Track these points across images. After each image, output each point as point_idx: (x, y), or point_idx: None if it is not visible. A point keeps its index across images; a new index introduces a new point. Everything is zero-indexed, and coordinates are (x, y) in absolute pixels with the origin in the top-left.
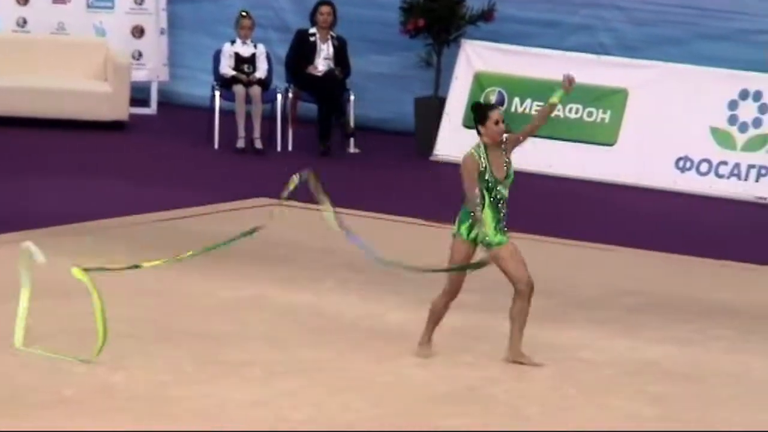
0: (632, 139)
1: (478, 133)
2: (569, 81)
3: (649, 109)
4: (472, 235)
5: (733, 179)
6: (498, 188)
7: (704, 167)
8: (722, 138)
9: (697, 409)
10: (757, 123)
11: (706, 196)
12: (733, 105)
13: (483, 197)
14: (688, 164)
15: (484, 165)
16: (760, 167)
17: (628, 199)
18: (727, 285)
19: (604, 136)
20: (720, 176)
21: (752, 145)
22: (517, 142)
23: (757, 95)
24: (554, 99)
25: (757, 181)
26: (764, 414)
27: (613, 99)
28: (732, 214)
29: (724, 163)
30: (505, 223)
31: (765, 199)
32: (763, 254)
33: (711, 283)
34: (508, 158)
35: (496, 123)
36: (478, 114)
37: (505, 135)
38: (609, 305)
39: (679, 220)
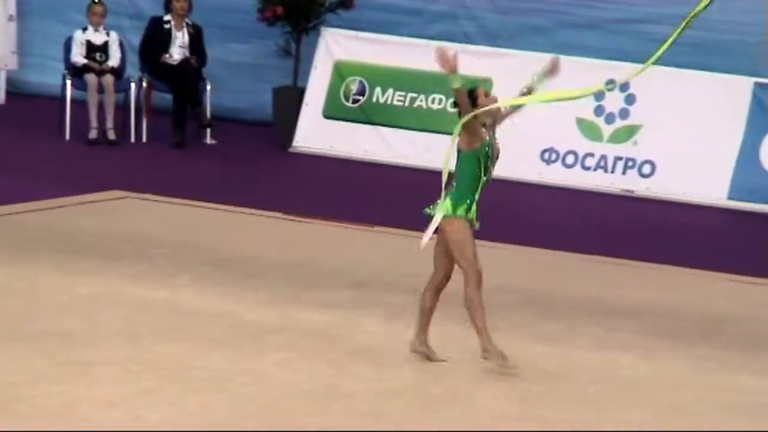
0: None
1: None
2: (554, 65)
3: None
4: (471, 214)
5: (600, 171)
6: (490, 167)
7: (570, 159)
8: (588, 129)
9: (563, 409)
10: (624, 114)
11: (572, 188)
12: (599, 96)
13: (477, 176)
14: (553, 156)
15: (487, 139)
16: (627, 159)
17: (492, 192)
18: (595, 281)
19: None
20: (586, 168)
21: (619, 137)
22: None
23: (624, 86)
24: (534, 80)
25: (623, 173)
26: (631, 413)
27: None
28: (598, 207)
29: (591, 155)
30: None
31: (632, 191)
32: (631, 248)
33: (578, 278)
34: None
35: (486, 95)
36: (469, 100)
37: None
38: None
39: (545, 213)
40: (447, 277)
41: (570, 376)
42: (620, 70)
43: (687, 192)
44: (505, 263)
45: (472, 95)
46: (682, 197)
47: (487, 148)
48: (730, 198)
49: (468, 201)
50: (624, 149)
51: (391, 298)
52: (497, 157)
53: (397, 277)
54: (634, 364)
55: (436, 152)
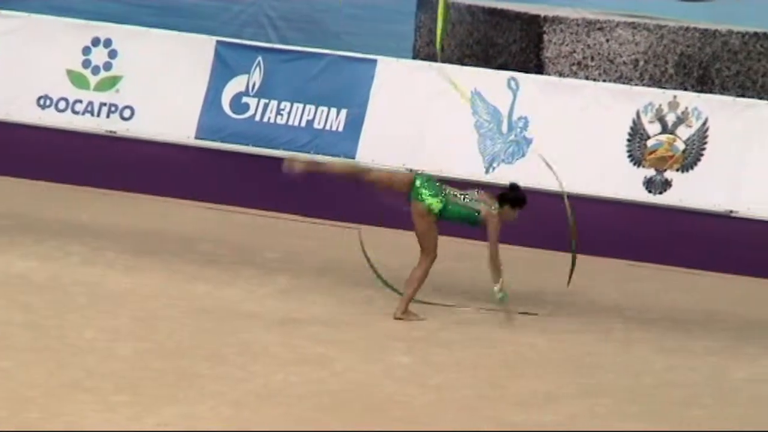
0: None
1: (501, 202)
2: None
3: (13, 55)
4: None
5: (87, 115)
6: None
7: (62, 105)
8: (77, 79)
9: (57, 315)
10: (107, 66)
11: (65, 130)
12: (86, 50)
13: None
14: (48, 102)
15: None
16: (111, 104)
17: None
18: (81, 208)
19: None
20: (76, 113)
21: (103, 86)
22: None
23: (108, 42)
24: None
25: (107, 117)
26: (119, 319)
27: None
28: (88, 147)
29: (80, 101)
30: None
31: (114, 132)
32: (114, 180)
33: (69, 206)
34: None
35: (516, 217)
36: (517, 198)
37: None
38: None
39: (44, 152)
40: None
41: (62, 288)
42: (104, 29)
43: (161, 132)
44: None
45: (523, 201)
46: (157, 137)
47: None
48: (197, 137)
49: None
50: (107, 96)
51: None
52: None
53: None
54: (117, 279)
55: None
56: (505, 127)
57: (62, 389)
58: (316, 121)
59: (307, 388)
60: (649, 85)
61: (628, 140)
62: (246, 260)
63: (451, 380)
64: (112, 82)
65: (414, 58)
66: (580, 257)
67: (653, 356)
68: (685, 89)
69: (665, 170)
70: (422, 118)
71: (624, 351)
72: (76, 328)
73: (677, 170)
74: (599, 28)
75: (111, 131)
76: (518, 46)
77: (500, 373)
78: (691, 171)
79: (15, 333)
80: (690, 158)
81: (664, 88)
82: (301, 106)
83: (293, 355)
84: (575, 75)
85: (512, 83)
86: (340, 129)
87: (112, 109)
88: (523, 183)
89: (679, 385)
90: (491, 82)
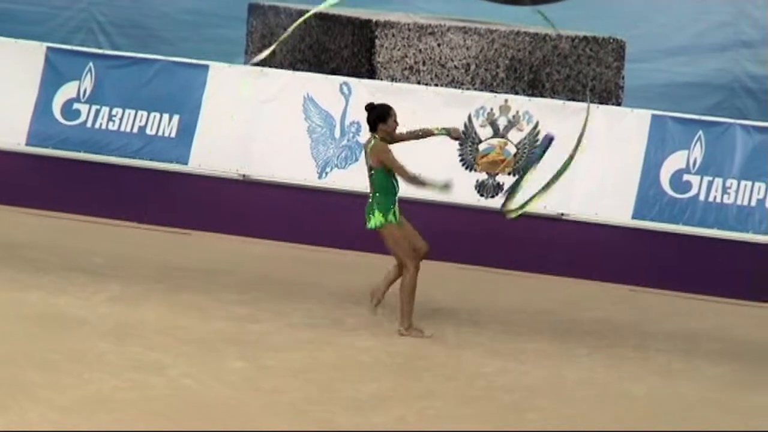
0: None
1: (373, 129)
2: (457, 136)
3: None
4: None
5: None
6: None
7: None
8: None
9: None
10: None
11: None
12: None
13: (395, 182)
14: None
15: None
16: None
17: None
18: None
19: None
20: None
21: None
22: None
23: None
24: (435, 131)
25: None
26: None
27: None
28: None
29: None
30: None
31: None
32: None
33: None
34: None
35: (395, 120)
36: (381, 112)
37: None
38: None
39: None
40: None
41: None
42: None
43: None
44: None
45: (386, 110)
46: None
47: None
48: (28, 144)
49: (394, 208)
50: None
51: None
52: None
53: None
54: None
55: None
56: (338, 132)
57: None
58: (149, 127)
59: (140, 394)
60: (480, 90)
61: (460, 144)
62: (78, 267)
63: (283, 384)
64: None
65: (245, 63)
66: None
67: (485, 360)
68: (516, 93)
69: (497, 174)
70: (254, 123)
71: (456, 354)
72: None
73: (508, 174)
74: (431, 33)
75: None
76: (350, 50)
77: (331, 375)
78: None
79: None
80: (521, 162)
81: (496, 92)
82: (133, 112)
83: (127, 361)
84: (407, 79)
85: (344, 88)
86: (173, 135)
87: None
88: (352, 187)
89: (512, 389)
90: (323, 87)
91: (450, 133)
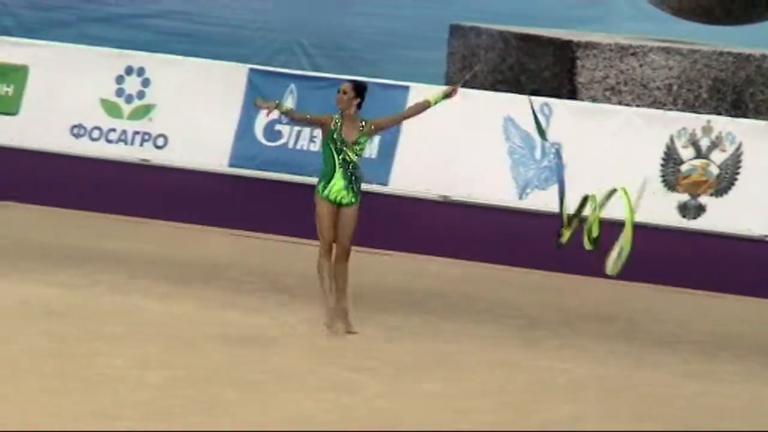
0: (32, 109)
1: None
2: (454, 91)
3: (47, 84)
4: (326, 192)
5: (121, 144)
6: (345, 150)
7: (95, 134)
8: (111, 108)
9: (85, 343)
10: (140, 95)
11: (98, 158)
12: (120, 79)
13: (333, 156)
14: (81, 131)
15: (336, 125)
16: (144, 133)
17: (29, 162)
18: (114, 236)
19: (6, 107)
20: (109, 141)
21: (136, 114)
22: (378, 126)
23: (141, 71)
24: (431, 99)
25: (141, 145)
26: (150, 347)
27: (14, 75)
28: (121, 175)
29: (113, 130)
30: (355, 186)
31: (148, 160)
32: (148, 208)
33: (100, 234)
34: (364, 133)
35: (338, 92)
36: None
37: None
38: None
39: (77, 182)
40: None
41: (89, 316)
42: (137, 58)
43: (194, 160)
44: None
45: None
46: (190, 165)
47: (334, 135)
48: (230, 165)
49: (324, 181)
50: (141, 125)
51: None
52: (357, 145)
53: None
54: (149, 306)
55: None
56: (538, 153)
57: (89, 417)
58: None
59: (338, 415)
60: (682, 110)
61: (662, 165)
62: (276, 287)
63: (478, 405)
64: (145, 111)
65: (446, 84)
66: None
67: (682, 381)
68: (719, 114)
69: (699, 195)
70: (455, 144)
71: (653, 376)
72: (105, 357)
73: (711, 195)
74: (632, 53)
75: (144, 159)
76: (551, 71)
77: (526, 397)
78: (724, 196)
79: (40, 361)
80: (724, 183)
81: (698, 112)
82: None
83: (324, 382)
84: (608, 100)
85: (545, 109)
86: (373, 156)
87: (146, 137)
88: (554, 209)
89: (712, 410)
90: (524, 107)
91: (448, 95)
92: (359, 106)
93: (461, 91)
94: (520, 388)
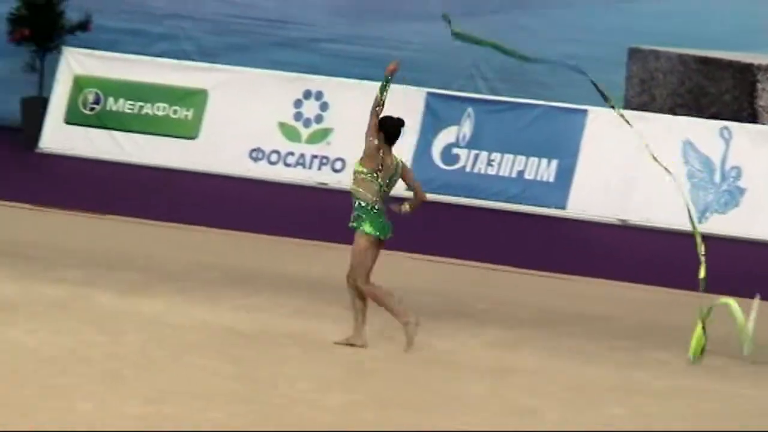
0: (212, 133)
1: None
2: (394, 68)
3: (226, 108)
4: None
5: (299, 167)
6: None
7: (274, 157)
8: (289, 132)
9: (267, 367)
10: (318, 119)
11: (276, 182)
12: (298, 103)
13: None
14: (260, 155)
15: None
16: (322, 157)
17: (209, 186)
18: (292, 259)
19: (187, 131)
20: (288, 165)
21: (315, 138)
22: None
23: (319, 95)
24: (383, 92)
25: (319, 169)
26: (328, 369)
27: (194, 99)
28: (299, 199)
29: (291, 153)
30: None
31: (326, 184)
32: (326, 232)
33: (279, 258)
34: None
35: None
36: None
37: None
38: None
39: (255, 205)
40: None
41: (272, 339)
42: (315, 81)
43: None
44: (220, 246)
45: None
46: None
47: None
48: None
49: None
50: (319, 148)
51: (122, 275)
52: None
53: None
54: (329, 329)
55: (163, 152)
56: (717, 177)
57: None
58: (527, 171)
59: None
60: None
61: None
62: (458, 311)
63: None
64: (323, 135)
65: (625, 107)
66: None
67: None
68: None
69: None
70: (633, 168)
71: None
72: (287, 379)
73: None
74: None
75: (322, 183)
76: (731, 95)
77: (715, 424)
78: None
79: (224, 384)
80: None
81: None
82: (511, 156)
83: (503, 407)
84: None
85: (725, 133)
86: (551, 179)
87: (324, 161)
88: (735, 233)
89: None
90: (703, 131)
91: (389, 78)
92: (385, 141)
93: (638, 115)
94: (709, 413)
